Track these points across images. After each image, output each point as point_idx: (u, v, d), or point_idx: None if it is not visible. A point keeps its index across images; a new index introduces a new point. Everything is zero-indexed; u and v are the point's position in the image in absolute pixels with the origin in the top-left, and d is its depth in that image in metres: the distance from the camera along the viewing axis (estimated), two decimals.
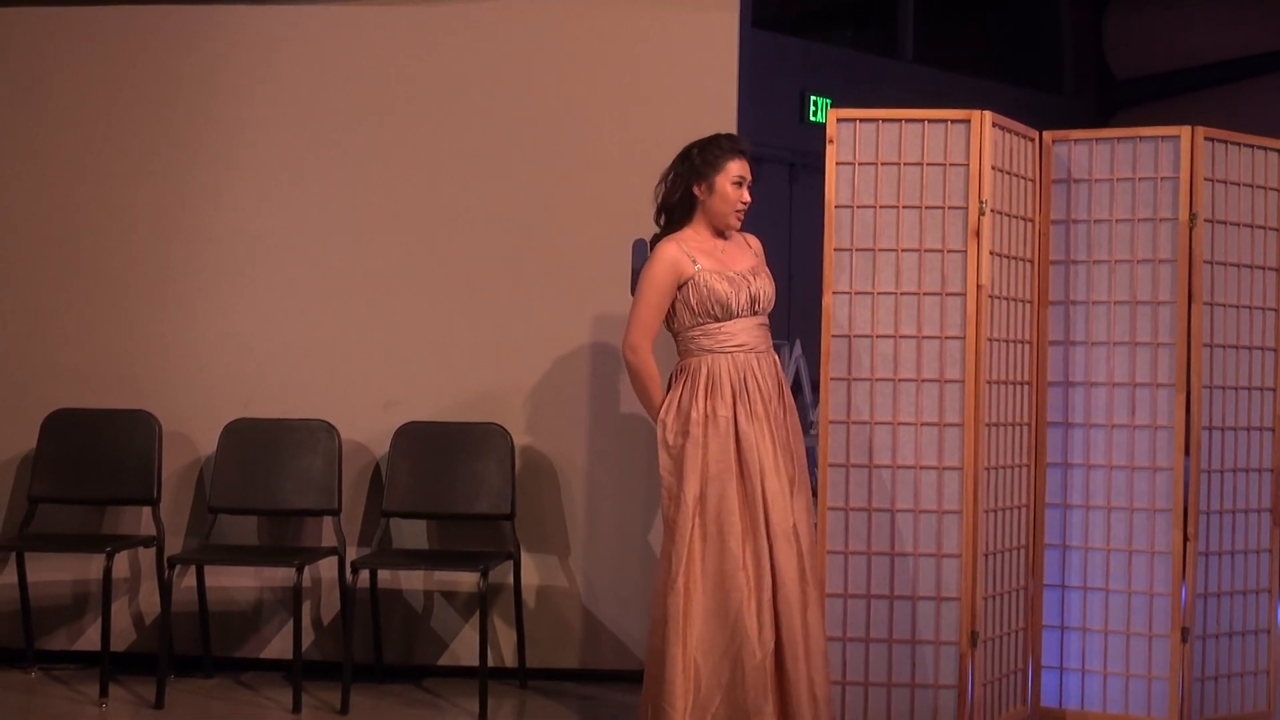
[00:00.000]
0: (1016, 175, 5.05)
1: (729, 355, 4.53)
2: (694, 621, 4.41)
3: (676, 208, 4.62)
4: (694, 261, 4.54)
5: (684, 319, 4.56)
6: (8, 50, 5.77)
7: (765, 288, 4.60)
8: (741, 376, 4.51)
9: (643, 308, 4.56)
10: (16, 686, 5.46)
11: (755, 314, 4.58)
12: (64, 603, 5.69)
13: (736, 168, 4.60)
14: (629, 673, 5.34)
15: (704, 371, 4.52)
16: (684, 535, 4.43)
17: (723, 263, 4.57)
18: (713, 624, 4.42)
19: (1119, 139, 5.10)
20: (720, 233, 4.63)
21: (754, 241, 4.75)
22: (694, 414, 4.49)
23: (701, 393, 4.51)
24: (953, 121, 4.93)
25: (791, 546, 4.45)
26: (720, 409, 4.48)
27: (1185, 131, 5.02)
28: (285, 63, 5.71)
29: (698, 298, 4.52)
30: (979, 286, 4.87)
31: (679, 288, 4.54)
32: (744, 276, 4.56)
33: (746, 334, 4.55)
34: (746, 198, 4.62)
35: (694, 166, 4.58)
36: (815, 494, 4.83)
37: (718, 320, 4.54)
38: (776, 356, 4.67)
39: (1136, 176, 5.06)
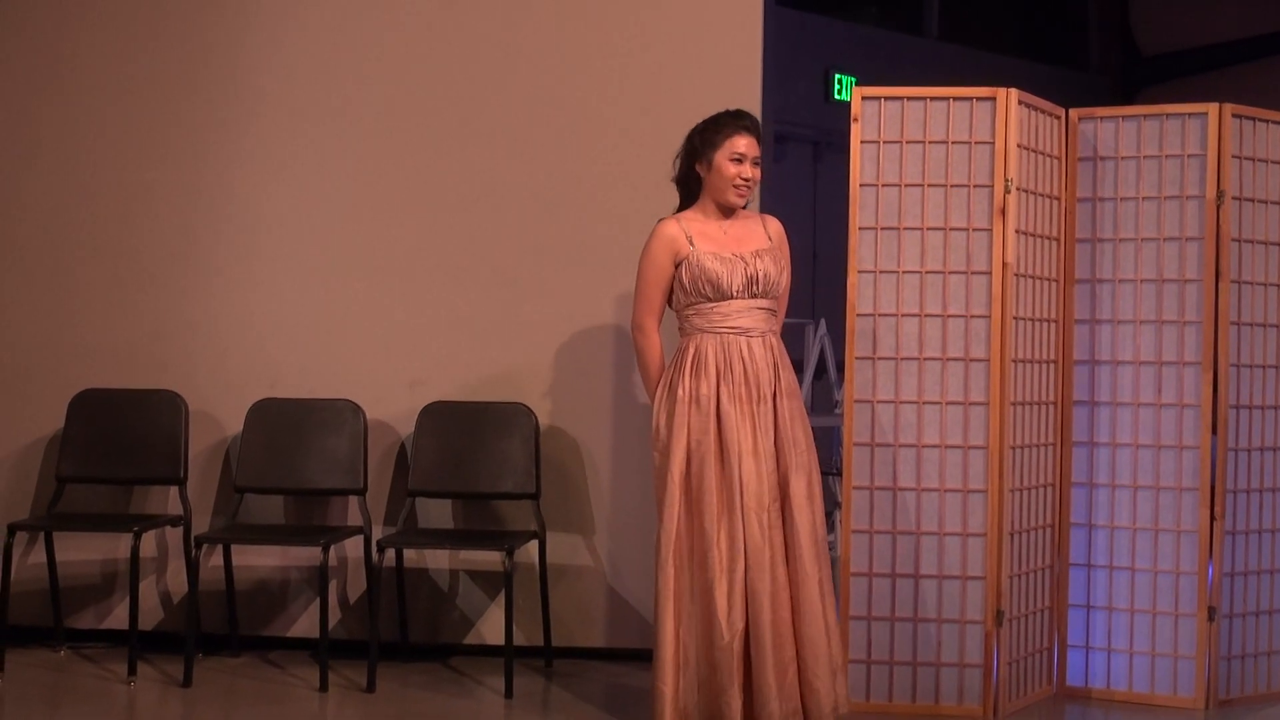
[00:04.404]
0: (1042, 153, 5.03)
1: (718, 336, 4.51)
2: (682, 599, 4.46)
3: (683, 186, 4.65)
4: (690, 241, 4.54)
5: (679, 298, 4.58)
6: (30, 32, 5.78)
7: (769, 269, 4.53)
8: (727, 358, 4.49)
9: (641, 285, 4.62)
10: (46, 665, 5.50)
11: (755, 296, 4.53)
12: (92, 582, 5.72)
13: (735, 144, 4.54)
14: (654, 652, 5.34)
15: (692, 350, 4.53)
16: (671, 514, 4.47)
17: (723, 244, 4.55)
18: (695, 602, 4.45)
19: (1146, 116, 5.08)
20: (728, 212, 4.61)
21: (774, 225, 4.68)
22: (680, 393, 4.50)
23: (688, 372, 4.51)
24: (978, 99, 4.91)
25: (764, 530, 4.42)
26: (704, 388, 4.48)
27: (1213, 108, 4.99)
28: (306, 40, 5.70)
29: (690, 277, 4.52)
30: (1004, 265, 4.85)
31: (676, 266, 4.55)
32: (741, 258, 4.52)
33: (742, 316, 4.52)
34: (747, 173, 4.54)
35: (694, 145, 4.60)
36: (840, 473, 4.81)
37: (710, 300, 4.52)
38: (779, 341, 4.61)
39: (1163, 154, 5.03)
